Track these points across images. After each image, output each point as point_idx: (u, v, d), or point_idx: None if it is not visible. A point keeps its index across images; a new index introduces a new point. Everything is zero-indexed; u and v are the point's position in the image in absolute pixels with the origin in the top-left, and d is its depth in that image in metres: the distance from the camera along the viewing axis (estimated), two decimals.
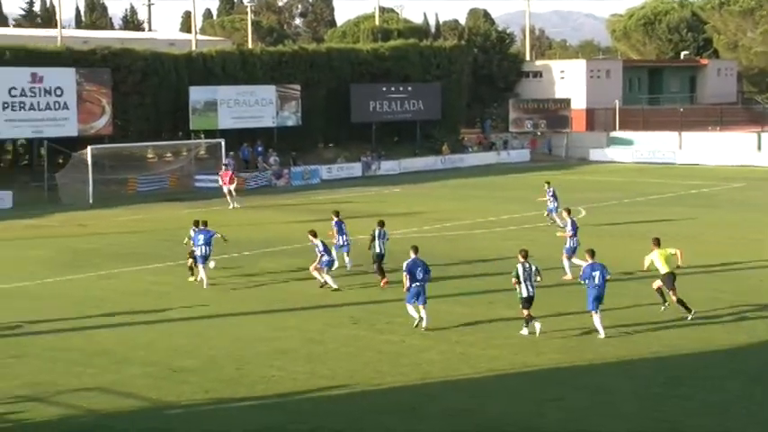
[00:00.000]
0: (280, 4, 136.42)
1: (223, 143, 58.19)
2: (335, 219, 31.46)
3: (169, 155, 61.63)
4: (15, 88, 54.65)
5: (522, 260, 22.94)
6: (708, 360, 20.93)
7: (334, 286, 28.09)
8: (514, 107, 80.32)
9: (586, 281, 22.95)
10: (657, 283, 24.92)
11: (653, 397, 18.37)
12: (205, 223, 30.30)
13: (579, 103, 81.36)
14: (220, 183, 50.74)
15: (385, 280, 28.76)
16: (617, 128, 79.61)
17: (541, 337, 22.44)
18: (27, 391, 18.99)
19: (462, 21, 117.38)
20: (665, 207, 46.94)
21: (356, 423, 17.32)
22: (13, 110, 54.62)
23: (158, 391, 18.96)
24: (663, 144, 74.49)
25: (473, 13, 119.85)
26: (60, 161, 55.48)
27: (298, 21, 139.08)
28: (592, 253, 23.29)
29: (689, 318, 24.04)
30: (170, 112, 63.29)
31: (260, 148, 64.41)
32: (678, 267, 25.28)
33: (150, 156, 60.63)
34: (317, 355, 21.34)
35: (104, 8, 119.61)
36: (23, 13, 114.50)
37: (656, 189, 54.76)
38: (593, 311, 22.75)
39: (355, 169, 66.31)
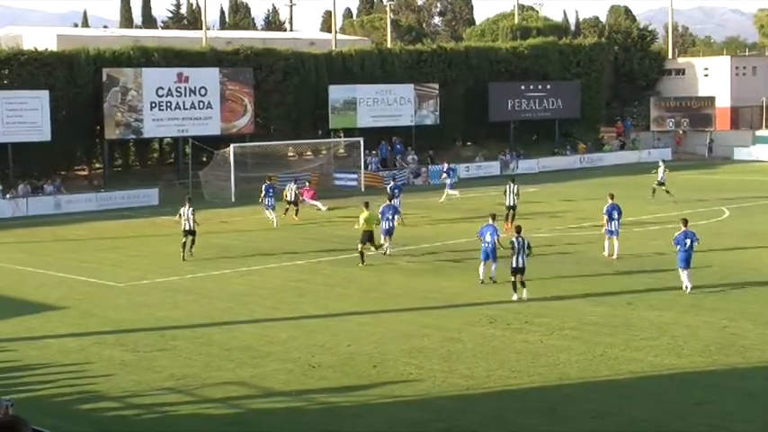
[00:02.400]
0: (419, 3, 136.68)
1: (362, 142, 58.65)
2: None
3: (309, 153, 62.47)
4: (162, 88, 56.13)
5: (516, 235, 26.83)
6: None
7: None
8: (656, 105, 78.86)
9: (678, 245, 26.95)
10: (360, 245, 32.21)
11: None
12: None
13: (723, 100, 79.30)
14: (306, 199, 48.79)
15: (507, 226, 35.81)
16: (763, 126, 77.32)
17: (682, 339, 21.99)
18: (172, 384, 19.46)
19: (603, 18, 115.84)
20: None
21: (496, 422, 17.21)
22: (160, 109, 56.13)
23: (297, 387, 19.19)
24: None
25: (614, 10, 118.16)
26: (204, 159, 56.74)
27: (436, 19, 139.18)
28: (685, 222, 27.78)
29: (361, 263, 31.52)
30: (310, 110, 64.15)
31: (398, 147, 64.70)
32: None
33: (290, 154, 61.53)
34: (455, 354, 21.29)
35: (247, 9, 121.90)
36: (171, 15, 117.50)
37: None
38: (681, 269, 26.85)
39: (493, 168, 66.03)
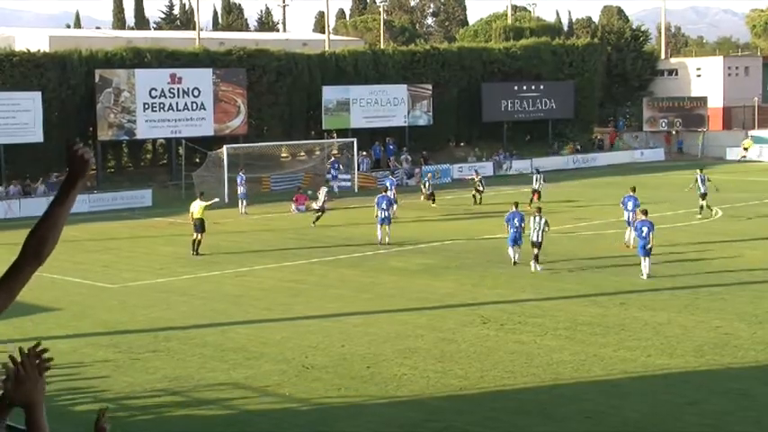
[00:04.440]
0: (412, 3, 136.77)
1: (355, 142, 58.64)
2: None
3: (302, 154, 62.41)
4: (155, 89, 56.03)
5: (536, 214, 30.84)
6: None
7: None
8: (649, 106, 78.90)
9: (636, 232, 29.72)
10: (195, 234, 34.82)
11: None
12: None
13: (716, 101, 79.36)
14: (298, 206, 48.51)
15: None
16: (756, 126, 77.38)
17: (675, 339, 22.02)
18: (165, 385, 19.44)
19: (596, 18, 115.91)
20: None
21: (490, 423, 17.22)
22: (153, 110, 56.03)
23: (291, 388, 19.17)
24: None
25: (607, 10, 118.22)
26: (197, 160, 56.68)
27: (430, 20, 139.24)
28: (645, 212, 30.24)
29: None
30: (303, 111, 64.12)
31: (391, 147, 64.69)
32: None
33: (284, 155, 61.49)
34: (449, 355, 21.29)
35: (240, 10, 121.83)
36: (163, 16, 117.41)
37: None
38: (642, 256, 28.82)
39: (487, 168, 65.88)
